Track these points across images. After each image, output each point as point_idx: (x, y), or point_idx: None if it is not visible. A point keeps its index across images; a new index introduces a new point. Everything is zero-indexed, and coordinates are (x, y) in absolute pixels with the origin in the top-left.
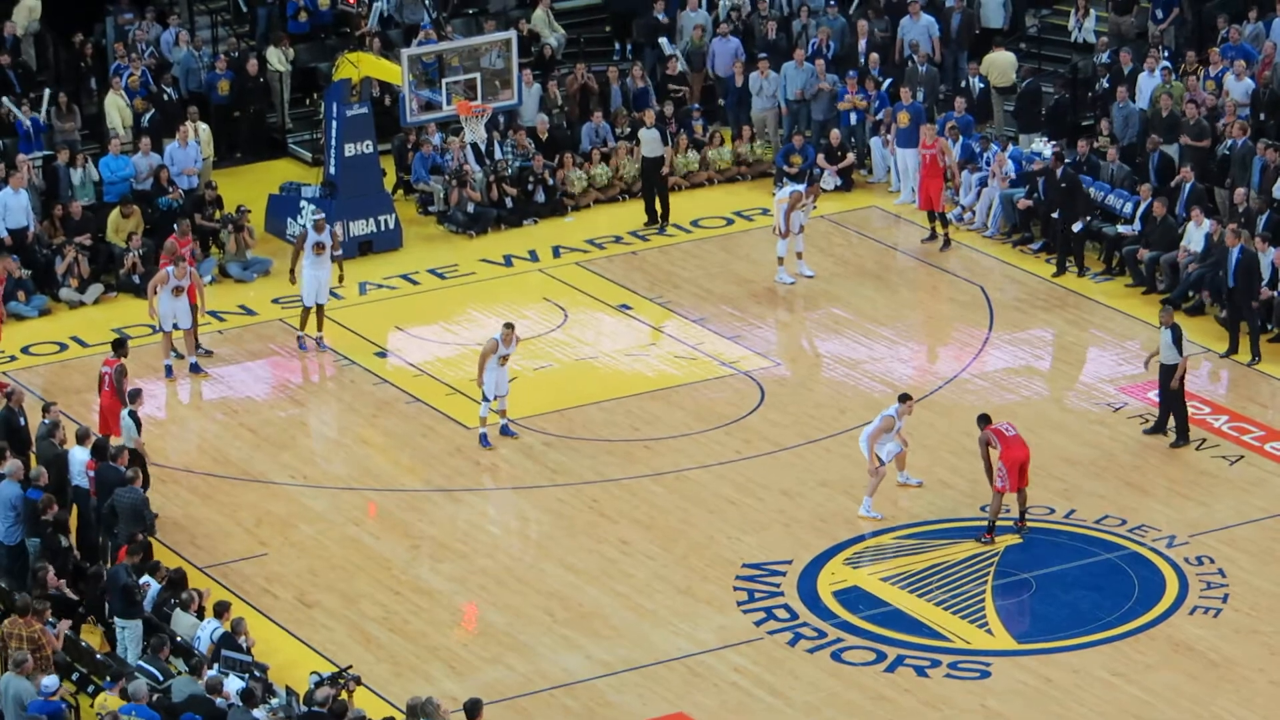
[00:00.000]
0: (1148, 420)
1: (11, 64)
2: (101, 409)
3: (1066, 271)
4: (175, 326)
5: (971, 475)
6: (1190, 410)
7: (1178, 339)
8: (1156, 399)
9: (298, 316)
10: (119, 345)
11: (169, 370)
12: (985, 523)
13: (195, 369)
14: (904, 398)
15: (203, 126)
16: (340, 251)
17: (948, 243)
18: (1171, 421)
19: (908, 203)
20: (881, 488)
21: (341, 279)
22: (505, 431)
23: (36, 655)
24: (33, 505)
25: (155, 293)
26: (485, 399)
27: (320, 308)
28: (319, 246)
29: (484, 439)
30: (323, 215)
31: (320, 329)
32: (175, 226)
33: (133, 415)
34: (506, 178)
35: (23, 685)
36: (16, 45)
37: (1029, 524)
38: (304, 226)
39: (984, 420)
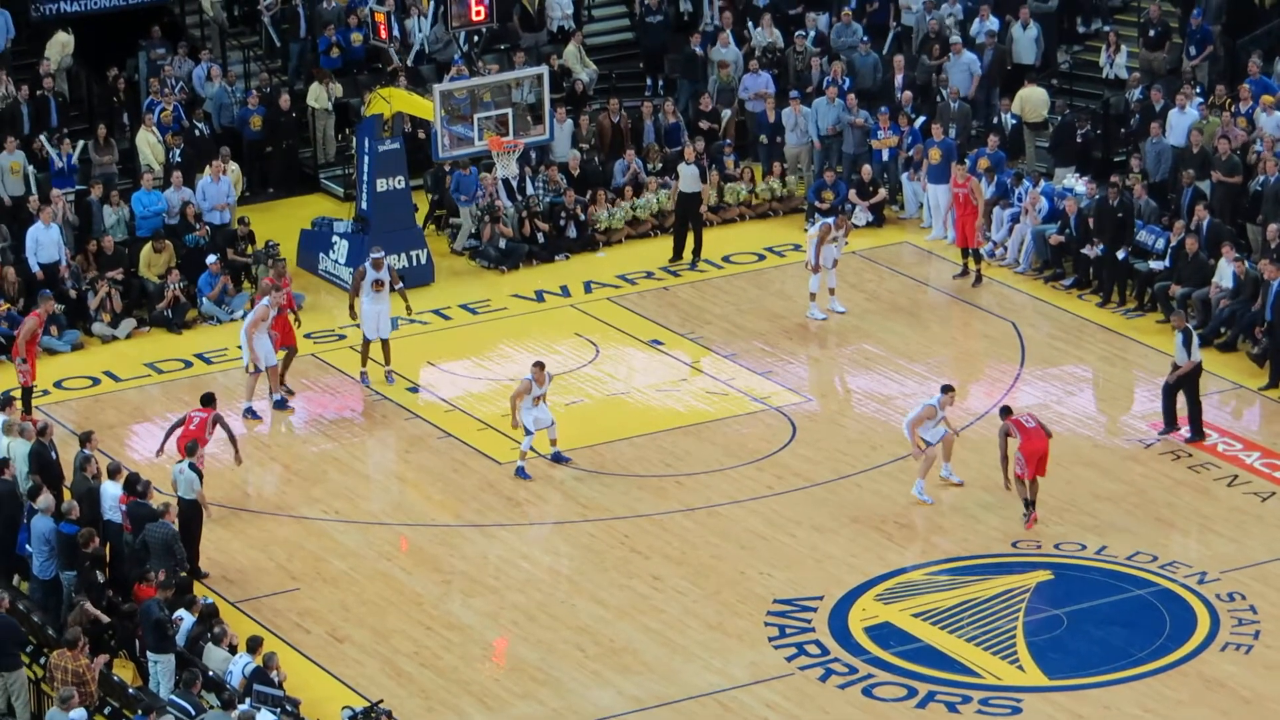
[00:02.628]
0: (1179, 455)
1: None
2: (181, 446)
3: (1109, 302)
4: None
5: (1004, 512)
6: (1223, 447)
7: (1187, 342)
8: (1186, 434)
9: (329, 352)
10: (208, 400)
11: (251, 412)
12: (1025, 555)
13: (281, 405)
14: (946, 388)
15: (233, 166)
16: (402, 284)
17: (980, 279)
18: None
19: (939, 238)
20: (917, 524)
21: (409, 309)
22: (558, 459)
23: (81, 690)
24: (67, 539)
25: (253, 332)
26: (528, 432)
27: (385, 341)
28: (378, 283)
29: (521, 471)
30: (382, 254)
31: (388, 362)
32: (272, 266)
33: (193, 467)
34: (538, 213)
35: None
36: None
37: (1058, 555)
38: (364, 264)
39: (1005, 412)
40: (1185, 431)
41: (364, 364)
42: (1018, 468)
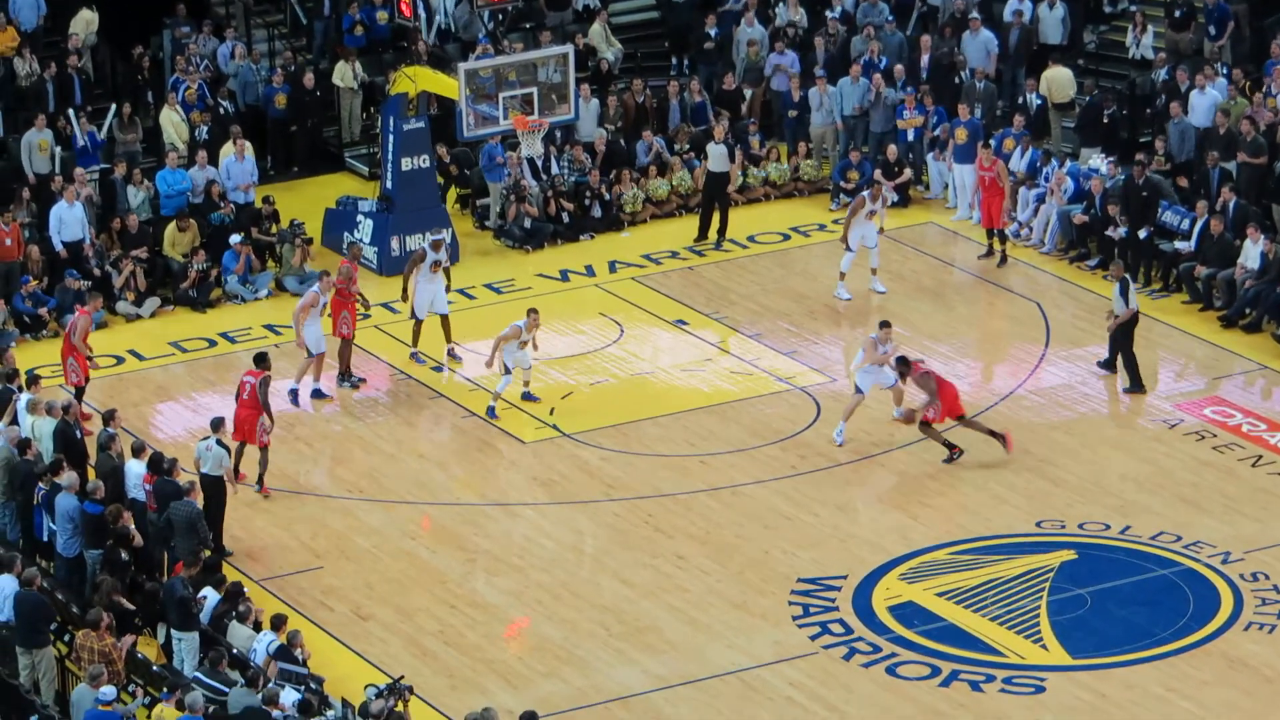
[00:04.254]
0: (1203, 436)
1: (70, 75)
2: (238, 419)
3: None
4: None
5: (1027, 491)
6: (1247, 427)
7: (1125, 291)
8: (1210, 413)
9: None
10: (261, 359)
11: (294, 396)
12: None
13: (319, 395)
14: (883, 324)
15: (247, 145)
16: (449, 262)
17: (1005, 259)
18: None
19: (965, 219)
20: (941, 504)
21: (449, 287)
22: (527, 397)
23: (108, 669)
24: (91, 518)
25: (303, 318)
26: (507, 372)
27: (445, 318)
28: (436, 264)
29: (492, 410)
30: (443, 236)
31: (449, 339)
32: (346, 250)
33: (220, 443)
34: (563, 193)
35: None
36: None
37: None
38: (422, 246)
39: (904, 362)
40: (1122, 383)
41: (415, 343)
42: (931, 412)
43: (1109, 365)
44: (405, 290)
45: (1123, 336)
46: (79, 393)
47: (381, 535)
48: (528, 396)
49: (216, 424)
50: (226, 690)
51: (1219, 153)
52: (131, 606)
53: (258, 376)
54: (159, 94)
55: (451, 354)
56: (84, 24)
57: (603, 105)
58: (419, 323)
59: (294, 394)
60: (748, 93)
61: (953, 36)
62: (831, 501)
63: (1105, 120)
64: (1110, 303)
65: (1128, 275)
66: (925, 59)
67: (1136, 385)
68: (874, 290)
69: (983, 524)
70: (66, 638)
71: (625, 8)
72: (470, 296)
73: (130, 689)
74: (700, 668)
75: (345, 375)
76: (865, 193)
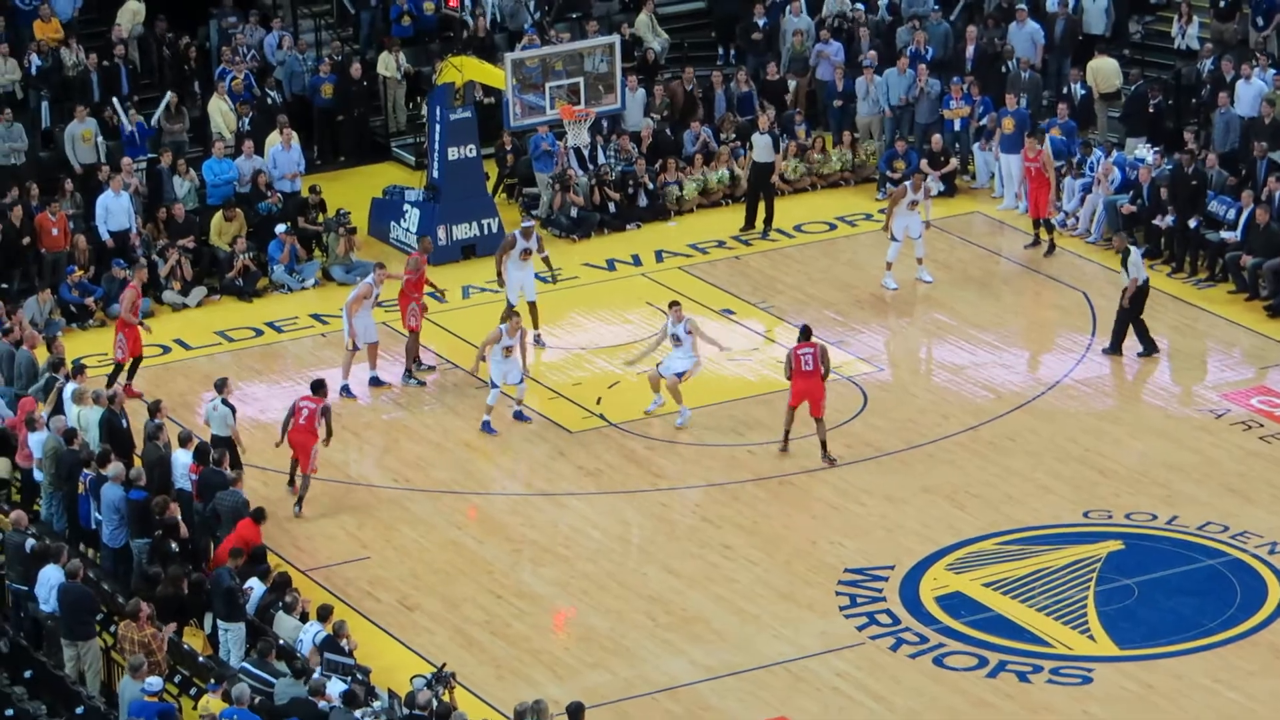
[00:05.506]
0: (1250, 425)
1: (116, 66)
2: (293, 441)
3: (1180, 272)
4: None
5: (1074, 481)
6: None
7: (1125, 262)
8: (1257, 403)
9: (401, 320)
10: (319, 387)
11: (347, 390)
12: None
13: (376, 382)
14: (673, 304)
15: (294, 134)
16: (545, 252)
17: (1052, 248)
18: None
19: (1010, 208)
20: (985, 494)
21: (552, 272)
22: (518, 416)
23: (150, 660)
24: (138, 506)
25: (355, 309)
26: (494, 385)
27: (532, 304)
28: (526, 252)
29: (486, 425)
30: (532, 223)
31: (536, 326)
32: (417, 242)
33: (226, 403)
34: (610, 182)
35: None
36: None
37: None
38: (513, 233)
39: (805, 333)
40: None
41: (535, 326)
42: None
43: (1149, 349)
44: (500, 276)
45: (1132, 305)
46: (132, 366)
47: (428, 525)
48: (519, 416)
49: (220, 384)
50: (273, 681)
51: (1266, 143)
52: (172, 593)
53: (317, 404)
54: (206, 84)
55: (538, 340)
56: (130, 14)
57: (650, 95)
58: (511, 308)
59: (346, 389)
60: (792, 83)
61: (997, 26)
62: (879, 491)
63: (1151, 110)
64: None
65: (1130, 245)
66: (971, 49)
67: (1115, 348)
68: (920, 280)
69: (1030, 514)
70: (112, 629)
71: None
72: None
73: (177, 679)
74: (747, 658)
75: (410, 371)
76: (907, 183)
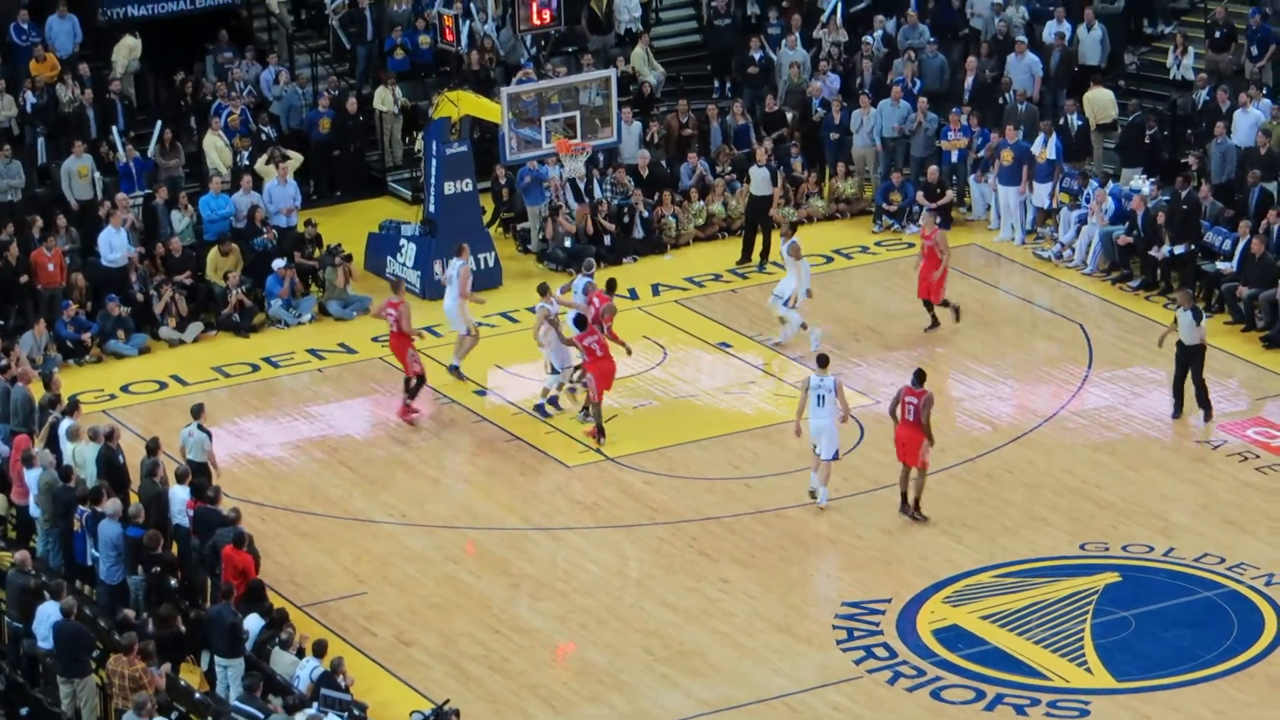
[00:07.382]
0: (1246, 457)
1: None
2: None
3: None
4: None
5: (1070, 513)
6: None
7: (1198, 318)
8: (1253, 434)
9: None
10: (921, 378)
11: (456, 370)
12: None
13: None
14: (542, 289)
15: (290, 168)
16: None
17: (935, 324)
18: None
19: (1007, 240)
20: (982, 527)
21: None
22: (540, 410)
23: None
24: (133, 542)
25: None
26: (554, 371)
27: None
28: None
29: (542, 409)
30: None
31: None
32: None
33: (202, 428)
34: (606, 215)
35: None
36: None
37: None
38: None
39: (920, 377)
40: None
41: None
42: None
43: (1179, 410)
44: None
45: (1195, 363)
46: (418, 382)
47: (425, 560)
48: (541, 410)
49: (196, 410)
50: (263, 717)
51: (1260, 172)
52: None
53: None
54: (202, 120)
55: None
56: (126, 50)
57: (645, 128)
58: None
59: (454, 369)
60: (789, 115)
61: (990, 56)
62: (875, 524)
63: (1147, 141)
64: (1163, 331)
65: (1198, 306)
66: (969, 80)
67: (1179, 410)
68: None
69: (1026, 546)
70: (107, 666)
71: (667, 31)
72: (513, 320)
73: (174, 716)
74: (745, 692)
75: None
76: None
